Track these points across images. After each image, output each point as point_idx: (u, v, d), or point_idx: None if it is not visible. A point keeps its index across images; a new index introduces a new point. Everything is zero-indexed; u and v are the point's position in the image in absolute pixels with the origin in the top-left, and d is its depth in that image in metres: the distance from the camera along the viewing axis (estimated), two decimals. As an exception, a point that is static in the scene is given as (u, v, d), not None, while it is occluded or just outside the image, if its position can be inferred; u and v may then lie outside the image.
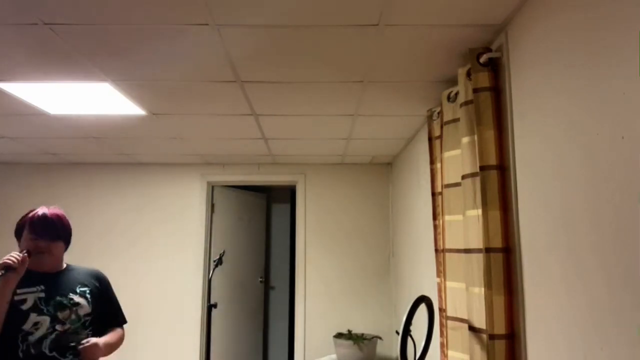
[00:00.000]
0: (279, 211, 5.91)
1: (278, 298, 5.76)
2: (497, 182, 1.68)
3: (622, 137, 1.05)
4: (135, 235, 4.40)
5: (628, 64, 1.03)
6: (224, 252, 3.79)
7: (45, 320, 1.83)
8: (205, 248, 4.43)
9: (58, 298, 1.89)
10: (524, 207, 1.58)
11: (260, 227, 5.59)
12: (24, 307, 1.82)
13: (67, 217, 2.03)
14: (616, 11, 1.07)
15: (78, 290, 1.96)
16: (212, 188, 4.61)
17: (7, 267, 1.70)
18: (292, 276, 5.56)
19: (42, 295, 1.87)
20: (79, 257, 4.38)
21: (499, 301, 1.62)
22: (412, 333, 2.01)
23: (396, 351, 2.02)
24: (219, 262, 3.67)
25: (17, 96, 2.49)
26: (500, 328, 1.61)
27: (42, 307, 1.85)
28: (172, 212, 4.44)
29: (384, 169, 4.50)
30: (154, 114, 2.82)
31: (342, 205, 4.48)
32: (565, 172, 1.31)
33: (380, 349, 3.99)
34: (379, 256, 4.40)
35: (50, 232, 1.92)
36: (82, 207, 4.42)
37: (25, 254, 1.77)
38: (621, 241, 1.06)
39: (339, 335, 3.78)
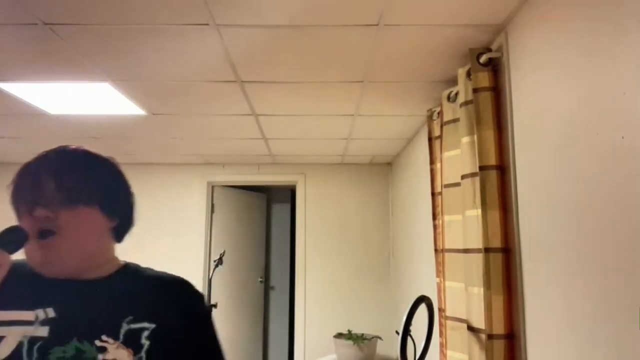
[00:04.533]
0: (279, 211, 5.91)
1: (278, 298, 5.76)
2: (496, 182, 1.68)
3: (622, 137, 1.05)
4: (135, 235, 4.38)
5: (628, 64, 1.03)
6: (224, 252, 3.79)
7: None
8: (205, 248, 4.43)
9: (72, 343, 0.85)
10: (523, 207, 1.58)
11: (260, 227, 5.59)
12: None
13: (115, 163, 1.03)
14: (616, 11, 1.07)
15: (123, 329, 0.88)
16: (212, 188, 4.61)
17: None
18: (292, 276, 5.56)
19: (42, 333, 0.85)
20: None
21: (498, 301, 1.62)
22: (412, 333, 2.02)
23: (396, 351, 2.02)
24: (219, 262, 3.68)
25: (17, 96, 2.49)
26: (499, 328, 1.61)
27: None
28: (172, 212, 4.44)
29: (384, 169, 4.50)
30: (154, 114, 2.82)
31: (342, 205, 4.48)
32: (564, 172, 1.31)
33: (380, 349, 3.99)
34: (379, 256, 4.40)
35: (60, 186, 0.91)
36: (82, 207, 4.42)
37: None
38: (620, 241, 1.06)
39: (339, 335, 3.77)
